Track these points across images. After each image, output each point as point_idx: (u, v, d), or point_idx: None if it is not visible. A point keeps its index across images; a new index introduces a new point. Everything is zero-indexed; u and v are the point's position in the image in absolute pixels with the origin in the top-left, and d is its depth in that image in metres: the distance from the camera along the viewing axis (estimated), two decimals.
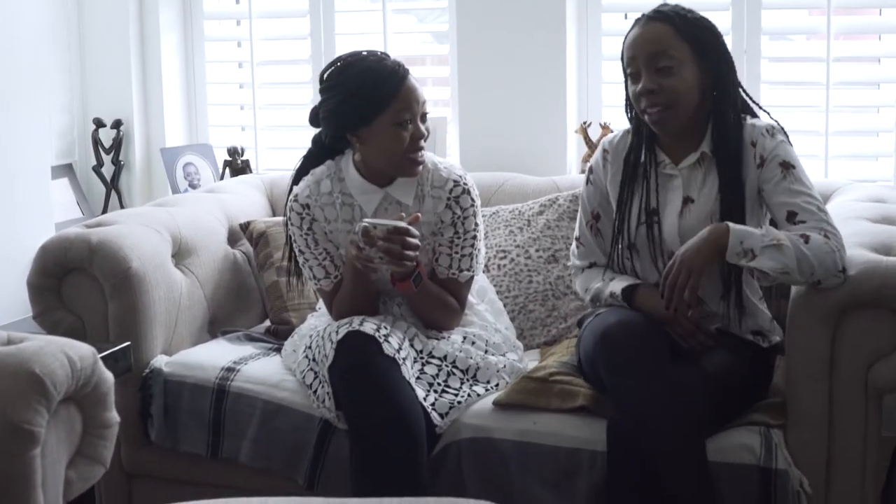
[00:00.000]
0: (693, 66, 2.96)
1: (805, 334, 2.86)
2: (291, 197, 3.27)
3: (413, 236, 3.02)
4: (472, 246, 3.25)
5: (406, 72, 3.15)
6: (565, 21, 4.23)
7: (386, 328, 3.07)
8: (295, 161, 3.38)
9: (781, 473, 2.85)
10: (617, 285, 3.07)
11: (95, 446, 2.40)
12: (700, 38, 2.96)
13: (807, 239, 2.78)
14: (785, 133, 3.00)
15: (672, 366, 2.83)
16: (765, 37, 4.12)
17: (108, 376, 2.39)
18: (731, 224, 2.82)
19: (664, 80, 2.95)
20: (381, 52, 3.21)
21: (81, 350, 2.33)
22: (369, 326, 3.03)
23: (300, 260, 3.30)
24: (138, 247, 3.42)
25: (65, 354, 2.28)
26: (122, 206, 4.76)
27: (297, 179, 3.32)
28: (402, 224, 3.02)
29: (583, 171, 4.18)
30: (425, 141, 3.16)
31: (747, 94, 3.07)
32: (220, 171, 4.71)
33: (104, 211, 4.74)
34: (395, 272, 3.10)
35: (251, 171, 4.67)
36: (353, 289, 3.19)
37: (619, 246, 3.12)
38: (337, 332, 3.04)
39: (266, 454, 3.24)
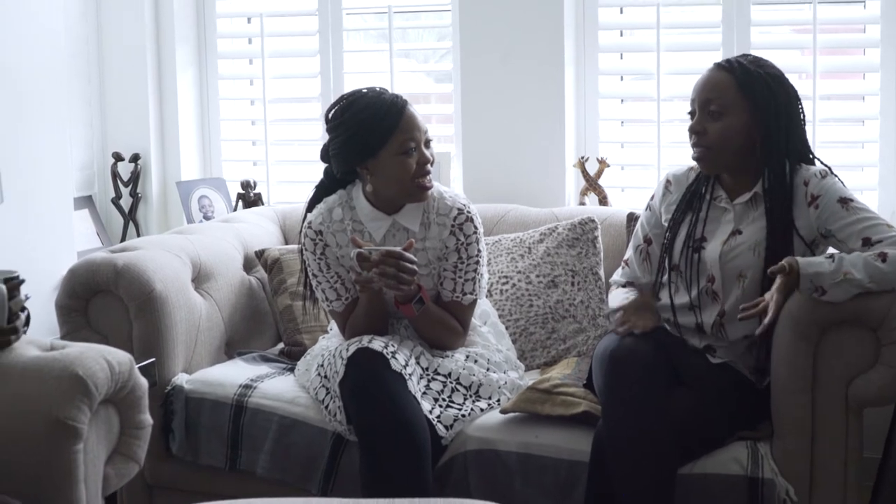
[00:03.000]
0: (744, 116, 3.16)
1: (789, 350, 3.02)
2: (305, 224, 3.45)
3: (407, 261, 3.19)
4: (475, 271, 3.42)
5: (405, 102, 3.33)
6: (564, 61, 4.41)
7: (393, 346, 3.23)
8: (306, 192, 3.54)
9: (768, 483, 3.01)
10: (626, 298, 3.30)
11: (131, 445, 2.59)
12: (756, 93, 3.15)
13: (884, 257, 2.96)
14: (836, 176, 3.18)
15: (667, 396, 3.03)
16: None
17: (143, 381, 2.58)
18: (800, 261, 2.99)
19: (710, 124, 3.18)
20: (380, 88, 3.38)
21: (119, 356, 2.52)
22: (377, 344, 3.20)
23: (314, 283, 3.46)
24: (161, 270, 3.58)
25: (105, 359, 2.47)
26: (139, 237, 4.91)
27: (310, 207, 3.49)
28: (396, 249, 3.20)
29: (581, 203, 4.39)
30: (431, 166, 3.34)
31: (807, 147, 3.25)
32: (234, 203, 4.88)
33: (122, 241, 4.87)
34: (397, 296, 3.28)
35: (263, 204, 4.83)
36: (367, 308, 3.36)
37: (663, 269, 3.32)
38: (347, 349, 3.21)
39: (282, 466, 3.39)
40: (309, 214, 3.47)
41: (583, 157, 4.44)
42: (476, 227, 3.42)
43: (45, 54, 4.21)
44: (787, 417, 3.06)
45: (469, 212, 3.41)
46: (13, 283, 2.52)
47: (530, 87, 4.45)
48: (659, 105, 4.42)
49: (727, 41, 4.31)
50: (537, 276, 3.83)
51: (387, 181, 3.32)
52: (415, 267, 3.22)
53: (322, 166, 3.50)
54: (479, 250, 3.42)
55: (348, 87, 4.72)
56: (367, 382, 3.14)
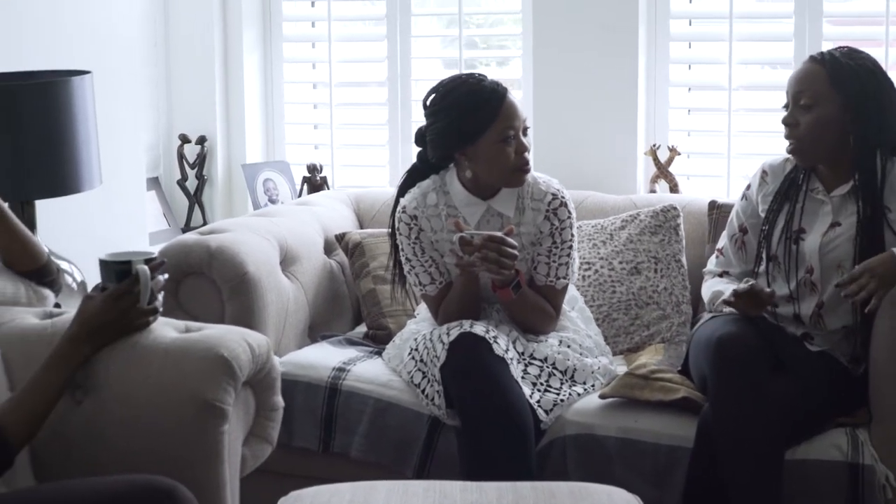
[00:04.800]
0: (834, 108, 3.18)
1: (889, 338, 3.04)
2: (399, 208, 3.47)
3: (508, 245, 3.22)
4: (568, 255, 3.44)
5: (505, 90, 3.34)
6: (637, 49, 4.43)
7: (493, 330, 3.26)
8: (370, 176, 3.54)
9: (868, 469, 3.03)
10: (731, 288, 3.30)
11: (265, 427, 2.61)
12: (846, 84, 3.17)
13: None
14: None
15: (772, 380, 3.06)
16: None
17: (278, 363, 2.60)
18: None
19: (801, 116, 3.21)
20: (479, 74, 3.41)
21: (258, 338, 2.55)
22: (479, 328, 3.23)
23: (406, 267, 3.48)
24: (253, 253, 3.59)
25: (246, 341, 2.50)
26: (204, 219, 4.96)
27: (402, 192, 3.51)
28: (498, 233, 3.23)
29: (652, 191, 4.42)
30: (528, 153, 3.37)
31: None
32: (298, 187, 4.90)
33: (187, 222, 4.95)
34: (496, 279, 3.31)
35: (328, 188, 4.85)
36: (462, 292, 3.38)
37: (762, 259, 3.34)
38: (448, 334, 3.24)
39: (377, 449, 3.41)
40: (402, 199, 3.49)
41: (654, 145, 4.46)
42: (570, 212, 3.45)
43: (115, 38, 4.24)
44: (887, 404, 3.08)
45: (563, 197, 3.44)
46: (153, 263, 2.55)
47: (602, 74, 4.47)
48: (730, 94, 4.44)
49: (799, 32, 4.32)
50: (620, 262, 3.85)
51: (485, 167, 3.35)
52: (515, 251, 3.24)
53: (386, 153, 3.51)
54: (572, 235, 3.45)
55: (416, 73, 4.78)
56: (471, 367, 3.17)
